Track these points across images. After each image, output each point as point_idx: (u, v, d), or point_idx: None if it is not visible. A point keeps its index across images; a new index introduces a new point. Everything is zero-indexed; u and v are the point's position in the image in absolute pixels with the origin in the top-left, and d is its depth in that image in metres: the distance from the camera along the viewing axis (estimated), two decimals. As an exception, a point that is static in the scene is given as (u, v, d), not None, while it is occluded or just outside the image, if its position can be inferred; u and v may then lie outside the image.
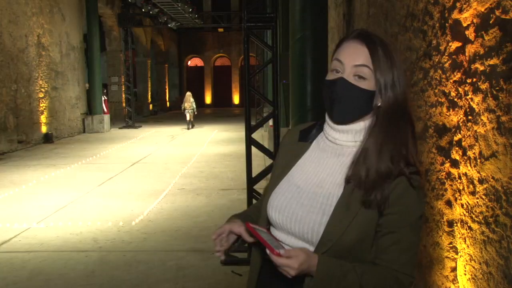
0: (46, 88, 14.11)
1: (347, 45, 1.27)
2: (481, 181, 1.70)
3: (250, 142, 5.00)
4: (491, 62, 1.61)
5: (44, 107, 13.93)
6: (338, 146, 1.32)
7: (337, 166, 1.30)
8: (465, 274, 1.86)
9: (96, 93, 16.99)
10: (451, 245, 2.00)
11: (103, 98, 18.08)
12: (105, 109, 17.98)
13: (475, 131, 1.74)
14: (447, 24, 2.00)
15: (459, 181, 1.90)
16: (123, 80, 20.43)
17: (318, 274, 1.16)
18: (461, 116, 1.87)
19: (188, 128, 17.37)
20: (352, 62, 1.24)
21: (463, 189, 1.86)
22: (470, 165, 1.79)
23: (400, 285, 1.21)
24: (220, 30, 30.95)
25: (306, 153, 1.37)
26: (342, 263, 1.19)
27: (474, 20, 1.74)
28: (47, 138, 13.68)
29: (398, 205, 1.21)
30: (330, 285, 1.17)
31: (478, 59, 1.71)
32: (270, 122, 8.18)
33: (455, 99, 1.93)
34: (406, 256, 1.22)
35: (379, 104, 1.25)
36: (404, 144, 1.23)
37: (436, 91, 2.14)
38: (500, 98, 1.55)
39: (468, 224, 1.81)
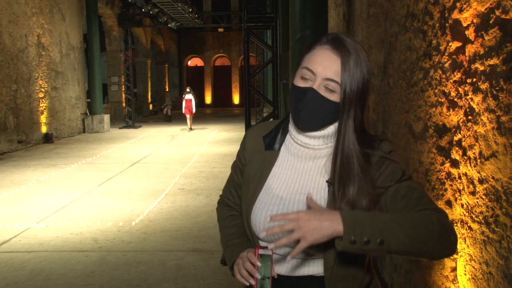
0: (46, 88, 14.12)
1: (320, 52, 1.23)
2: (481, 181, 1.70)
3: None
4: (491, 62, 1.61)
5: (44, 107, 13.94)
6: (311, 149, 1.29)
7: (315, 169, 1.28)
8: (465, 274, 1.86)
9: (96, 93, 17.00)
10: (451, 245, 2.00)
11: (188, 97, 17.05)
12: (194, 109, 17.18)
13: (475, 131, 1.74)
14: (447, 24, 2.00)
15: (459, 181, 1.90)
16: (123, 80, 20.43)
17: (346, 223, 1.06)
18: (461, 116, 1.87)
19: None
20: (324, 75, 1.21)
21: (463, 189, 1.86)
22: (470, 165, 1.79)
23: (441, 214, 1.16)
24: (220, 30, 30.97)
25: (277, 161, 1.33)
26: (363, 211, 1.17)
27: (474, 20, 1.74)
28: (47, 138, 13.68)
29: (388, 174, 1.21)
30: (364, 232, 1.06)
31: (478, 59, 1.71)
32: (271, 120, 8.19)
33: (455, 99, 1.93)
34: (426, 198, 1.20)
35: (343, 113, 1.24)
36: (362, 126, 1.25)
37: (436, 91, 2.14)
38: (500, 98, 1.55)
39: (468, 224, 1.81)
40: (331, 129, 1.27)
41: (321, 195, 1.24)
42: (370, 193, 1.20)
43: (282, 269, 1.26)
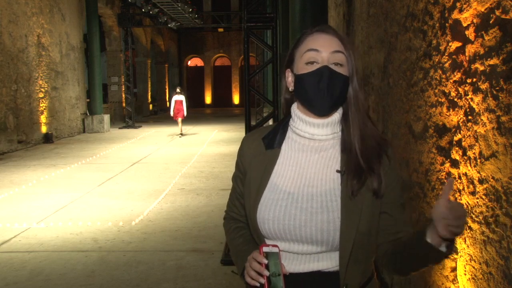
0: (46, 88, 14.12)
1: (316, 36, 1.29)
2: (481, 181, 1.70)
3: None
4: (491, 62, 1.61)
5: (44, 107, 13.94)
6: (316, 142, 1.30)
7: (321, 161, 1.29)
8: (465, 274, 1.86)
9: (96, 93, 16.99)
10: (451, 245, 2.00)
11: (178, 98, 14.79)
12: (185, 111, 14.85)
13: (475, 131, 1.74)
14: (447, 24, 2.00)
15: (459, 181, 1.90)
16: (123, 80, 20.43)
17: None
18: (461, 116, 1.87)
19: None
20: (330, 49, 1.26)
21: (463, 189, 1.86)
22: (470, 165, 1.79)
23: None
24: (220, 30, 30.96)
25: (279, 159, 1.33)
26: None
27: (474, 20, 1.74)
28: (47, 138, 13.68)
29: (389, 180, 1.28)
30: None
31: (478, 59, 1.71)
32: (270, 122, 8.18)
33: (455, 99, 1.93)
34: (410, 227, 1.32)
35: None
36: (370, 123, 1.32)
37: (436, 91, 2.14)
38: (500, 98, 1.55)
39: (468, 224, 1.81)
40: (337, 116, 1.30)
41: (330, 185, 1.25)
42: (379, 181, 1.25)
43: (290, 266, 1.26)
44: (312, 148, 1.31)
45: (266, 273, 1.16)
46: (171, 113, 14.89)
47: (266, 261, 1.17)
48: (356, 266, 1.24)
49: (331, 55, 1.25)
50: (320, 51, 1.26)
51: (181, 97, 14.90)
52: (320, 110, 1.28)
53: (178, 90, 15.38)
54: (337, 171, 1.26)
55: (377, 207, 1.26)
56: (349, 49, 1.28)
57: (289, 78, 1.34)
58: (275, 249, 1.18)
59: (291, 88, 1.34)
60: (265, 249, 1.18)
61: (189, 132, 16.28)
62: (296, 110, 1.34)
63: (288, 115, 1.38)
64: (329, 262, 1.25)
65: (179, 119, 14.83)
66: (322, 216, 1.22)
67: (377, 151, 1.27)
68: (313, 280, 1.25)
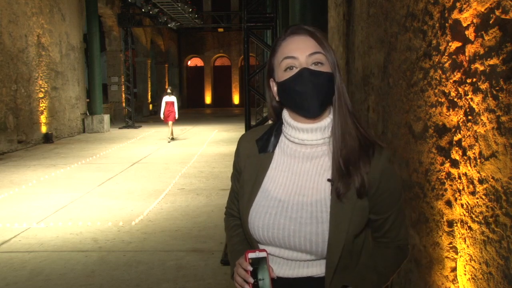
0: (46, 88, 14.12)
1: (289, 41, 1.26)
2: (481, 181, 1.70)
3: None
4: (491, 62, 1.61)
5: (44, 107, 13.94)
6: (308, 147, 1.28)
7: (313, 169, 1.26)
8: (465, 274, 1.86)
9: (96, 93, 17.00)
10: (451, 245, 2.00)
11: (169, 99, 13.61)
12: (177, 114, 13.73)
13: (475, 131, 1.74)
14: (447, 24, 2.00)
15: (459, 181, 1.90)
16: (123, 80, 20.43)
17: None
18: (461, 116, 1.87)
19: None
20: (306, 53, 1.23)
21: (463, 189, 1.86)
22: (470, 165, 1.79)
23: (405, 254, 1.34)
24: (220, 30, 30.97)
25: (272, 163, 1.32)
26: (360, 270, 1.25)
27: (474, 20, 1.74)
28: (47, 138, 13.69)
29: (384, 186, 1.24)
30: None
31: (478, 59, 1.71)
32: (270, 122, 8.19)
33: (455, 99, 1.93)
34: (403, 228, 1.32)
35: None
36: (352, 121, 1.27)
37: (436, 91, 2.14)
38: (500, 98, 1.55)
39: (468, 224, 1.81)
40: (327, 120, 1.27)
41: (321, 195, 1.23)
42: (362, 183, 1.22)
43: (281, 271, 1.26)
44: (304, 154, 1.28)
45: (251, 280, 1.17)
46: (161, 116, 13.71)
47: (250, 268, 1.17)
48: (344, 273, 1.23)
49: (308, 58, 1.22)
50: (296, 57, 1.23)
51: (172, 98, 13.72)
52: (310, 112, 1.24)
53: (169, 90, 14.05)
54: (328, 180, 1.23)
55: (366, 209, 1.24)
56: (326, 46, 1.25)
57: (274, 88, 1.32)
58: (263, 254, 1.18)
59: (277, 97, 1.32)
60: (251, 255, 1.18)
61: (189, 132, 16.29)
62: (285, 115, 1.32)
63: (281, 119, 1.36)
64: (319, 269, 1.24)
65: (170, 122, 13.67)
66: (311, 227, 1.20)
67: (358, 152, 1.23)
68: (303, 285, 1.25)
